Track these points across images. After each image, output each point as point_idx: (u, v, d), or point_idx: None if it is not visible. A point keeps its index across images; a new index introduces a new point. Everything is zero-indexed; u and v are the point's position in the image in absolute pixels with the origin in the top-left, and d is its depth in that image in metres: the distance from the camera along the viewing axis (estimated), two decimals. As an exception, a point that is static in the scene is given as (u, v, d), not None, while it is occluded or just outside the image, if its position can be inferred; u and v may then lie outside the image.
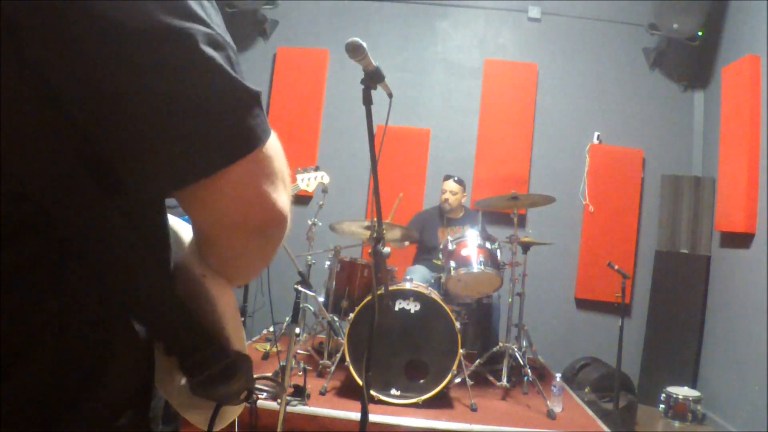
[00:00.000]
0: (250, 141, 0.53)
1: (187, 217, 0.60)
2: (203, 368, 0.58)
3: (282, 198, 0.58)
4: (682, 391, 3.67)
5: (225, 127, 0.51)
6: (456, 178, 4.10)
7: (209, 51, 0.49)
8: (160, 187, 0.54)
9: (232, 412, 0.70)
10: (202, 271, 0.63)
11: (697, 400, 3.61)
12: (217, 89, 0.50)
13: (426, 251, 4.11)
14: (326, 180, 3.46)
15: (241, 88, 0.52)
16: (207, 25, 0.50)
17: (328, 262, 3.60)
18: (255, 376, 0.66)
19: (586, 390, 3.72)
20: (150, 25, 0.46)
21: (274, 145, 0.57)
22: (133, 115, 0.48)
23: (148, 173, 0.51)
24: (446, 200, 4.08)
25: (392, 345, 3.03)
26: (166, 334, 0.58)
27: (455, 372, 3.03)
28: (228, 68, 0.51)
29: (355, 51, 1.69)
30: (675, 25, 4.28)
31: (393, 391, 2.99)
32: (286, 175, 0.60)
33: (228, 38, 0.53)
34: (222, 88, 0.51)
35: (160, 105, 0.48)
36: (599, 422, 3.11)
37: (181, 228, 0.72)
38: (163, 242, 0.63)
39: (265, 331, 4.31)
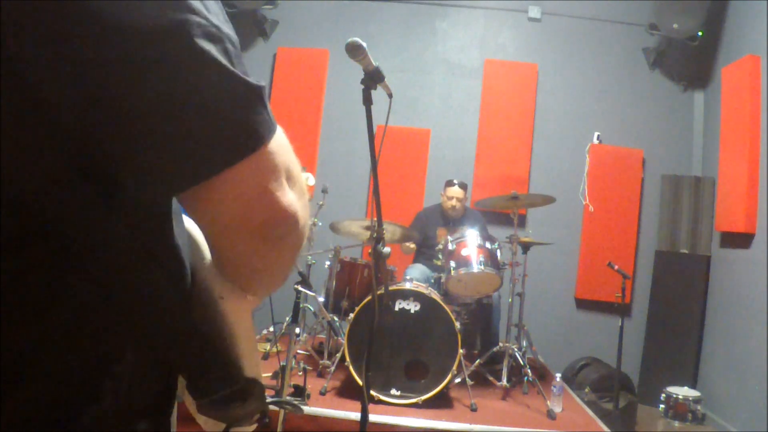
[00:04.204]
0: (251, 140, 0.50)
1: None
2: (209, 392, 0.57)
3: (287, 195, 0.54)
4: (682, 391, 3.67)
5: (225, 125, 0.49)
6: (459, 183, 4.10)
7: (204, 44, 0.47)
8: (157, 192, 0.52)
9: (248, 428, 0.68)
10: (220, 293, 0.61)
11: (697, 400, 3.61)
12: (214, 85, 0.48)
13: (426, 249, 4.11)
14: (311, 182, 3.53)
15: (240, 83, 0.49)
16: (202, 16, 0.48)
17: (328, 262, 3.60)
18: (270, 400, 0.64)
19: (586, 390, 3.72)
20: (144, 22, 0.44)
21: (279, 141, 0.54)
22: (129, 116, 0.46)
23: (144, 176, 0.49)
24: (453, 207, 4.06)
25: (392, 345, 3.03)
26: (172, 353, 0.56)
27: (455, 372, 3.03)
28: (225, 62, 0.48)
29: (355, 51, 1.69)
30: (675, 25, 4.28)
31: (393, 391, 2.99)
32: (294, 170, 0.56)
33: (227, 30, 0.50)
34: (219, 84, 0.48)
35: (156, 104, 0.46)
36: (599, 422, 3.11)
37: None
38: (173, 254, 0.60)
39: (265, 331, 4.30)
